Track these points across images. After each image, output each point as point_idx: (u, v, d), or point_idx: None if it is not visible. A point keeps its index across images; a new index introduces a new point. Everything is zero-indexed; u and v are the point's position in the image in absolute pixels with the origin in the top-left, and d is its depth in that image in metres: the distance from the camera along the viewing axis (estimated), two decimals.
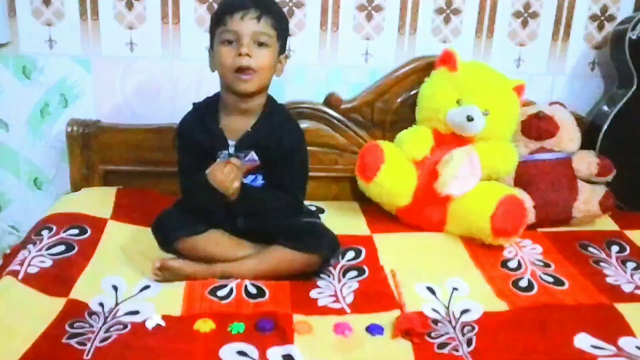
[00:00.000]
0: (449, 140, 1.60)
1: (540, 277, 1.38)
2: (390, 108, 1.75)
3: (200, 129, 1.36)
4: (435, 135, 1.61)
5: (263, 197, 1.37)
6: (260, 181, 1.39)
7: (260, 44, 1.29)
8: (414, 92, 1.72)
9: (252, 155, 1.32)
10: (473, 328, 1.19)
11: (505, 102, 1.61)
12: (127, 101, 1.77)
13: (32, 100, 1.75)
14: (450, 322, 1.21)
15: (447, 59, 1.63)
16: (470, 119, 1.54)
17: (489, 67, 1.67)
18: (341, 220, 1.62)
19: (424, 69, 1.71)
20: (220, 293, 1.26)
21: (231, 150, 1.35)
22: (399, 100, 1.75)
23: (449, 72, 1.62)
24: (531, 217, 1.57)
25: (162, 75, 1.75)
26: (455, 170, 1.53)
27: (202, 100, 1.40)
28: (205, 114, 1.37)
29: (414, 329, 1.15)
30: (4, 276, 1.23)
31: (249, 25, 1.27)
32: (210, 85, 1.40)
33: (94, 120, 1.71)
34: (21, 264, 1.27)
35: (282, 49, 1.36)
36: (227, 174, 1.27)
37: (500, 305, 1.27)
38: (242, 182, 1.31)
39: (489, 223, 1.47)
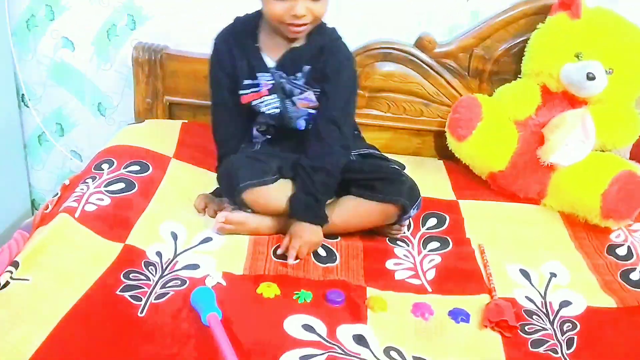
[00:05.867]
0: (559, 99, 1.43)
1: None
2: (491, 56, 1.56)
3: (235, 46, 1.21)
4: (543, 93, 1.44)
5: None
6: (303, 125, 1.25)
7: None
8: (521, 39, 1.53)
9: (309, 94, 1.21)
10: (574, 326, 1.06)
11: (635, 59, 1.40)
12: (196, 26, 1.62)
13: (99, 20, 1.64)
14: (547, 315, 1.09)
15: (569, 3, 1.41)
16: (591, 77, 1.32)
17: (618, 15, 1.44)
18: (423, 179, 1.43)
19: (537, 12, 1.51)
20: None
21: (275, 75, 1.20)
22: (502, 47, 1.56)
23: (569, 19, 1.40)
24: None
25: None
26: (565, 136, 1.35)
27: (243, 15, 1.25)
28: (243, 30, 1.22)
29: (506, 321, 1.02)
30: (60, 212, 1.15)
31: None
32: None
33: (162, 46, 1.58)
34: (78, 201, 1.19)
35: None
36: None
37: (607, 301, 1.13)
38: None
39: (599, 201, 1.31)
